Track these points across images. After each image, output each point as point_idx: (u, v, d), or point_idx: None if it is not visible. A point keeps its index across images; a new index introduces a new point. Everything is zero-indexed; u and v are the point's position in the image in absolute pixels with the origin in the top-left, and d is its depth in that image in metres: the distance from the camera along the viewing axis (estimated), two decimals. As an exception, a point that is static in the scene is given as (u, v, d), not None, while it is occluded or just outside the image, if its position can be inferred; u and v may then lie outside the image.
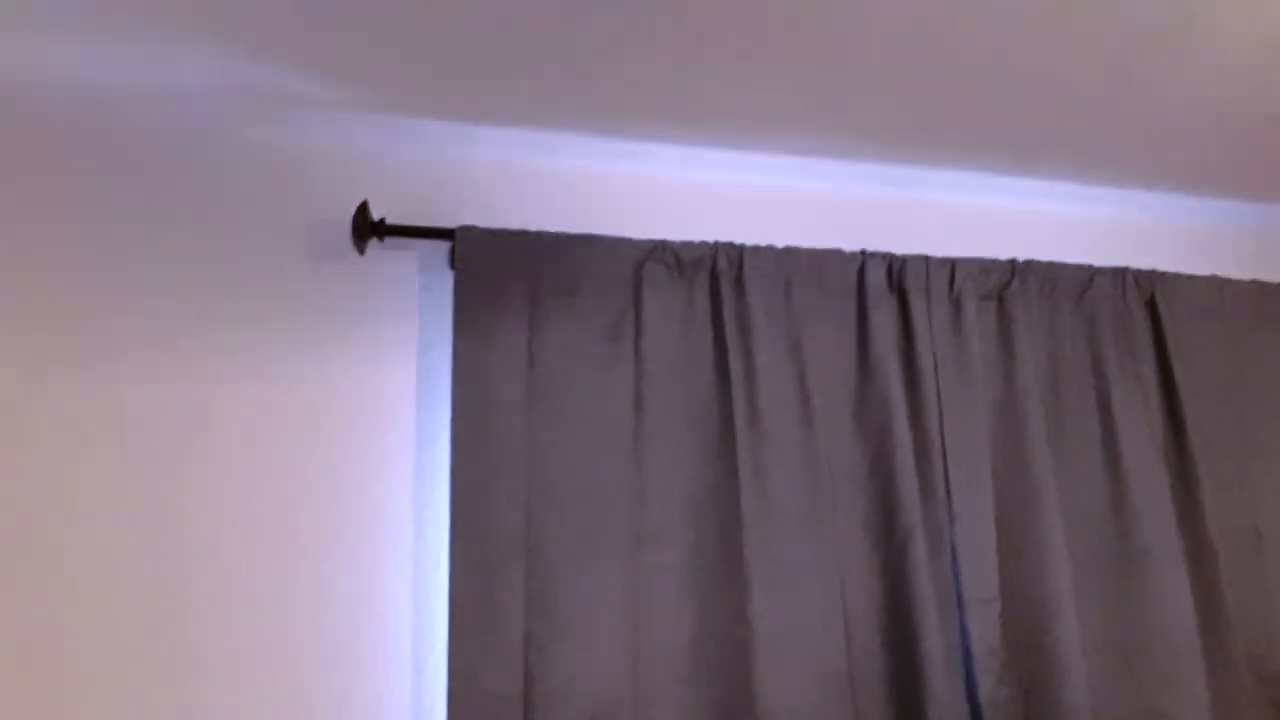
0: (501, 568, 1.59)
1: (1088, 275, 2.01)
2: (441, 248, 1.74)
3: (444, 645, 1.58)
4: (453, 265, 1.72)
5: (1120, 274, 2.03)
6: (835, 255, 1.90)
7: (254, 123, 1.72)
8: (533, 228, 1.77)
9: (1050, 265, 2.00)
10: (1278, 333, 2.10)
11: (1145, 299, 2.03)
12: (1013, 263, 1.97)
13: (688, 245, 1.82)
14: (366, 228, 1.67)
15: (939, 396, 1.85)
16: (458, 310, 1.68)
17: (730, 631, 1.66)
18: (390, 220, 1.71)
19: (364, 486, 1.67)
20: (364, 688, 1.61)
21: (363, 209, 1.67)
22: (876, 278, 1.90)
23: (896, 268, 1.91)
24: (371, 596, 1.64)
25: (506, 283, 1.71)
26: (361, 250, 1.70)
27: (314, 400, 1.68)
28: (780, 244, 1.87)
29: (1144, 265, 2.06)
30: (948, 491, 1.81)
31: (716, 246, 1.83)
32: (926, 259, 1.93)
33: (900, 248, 1.94)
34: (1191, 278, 2.07)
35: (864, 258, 1.90)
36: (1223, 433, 1.99)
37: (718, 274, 1.82)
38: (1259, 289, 2.12)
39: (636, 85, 1.66)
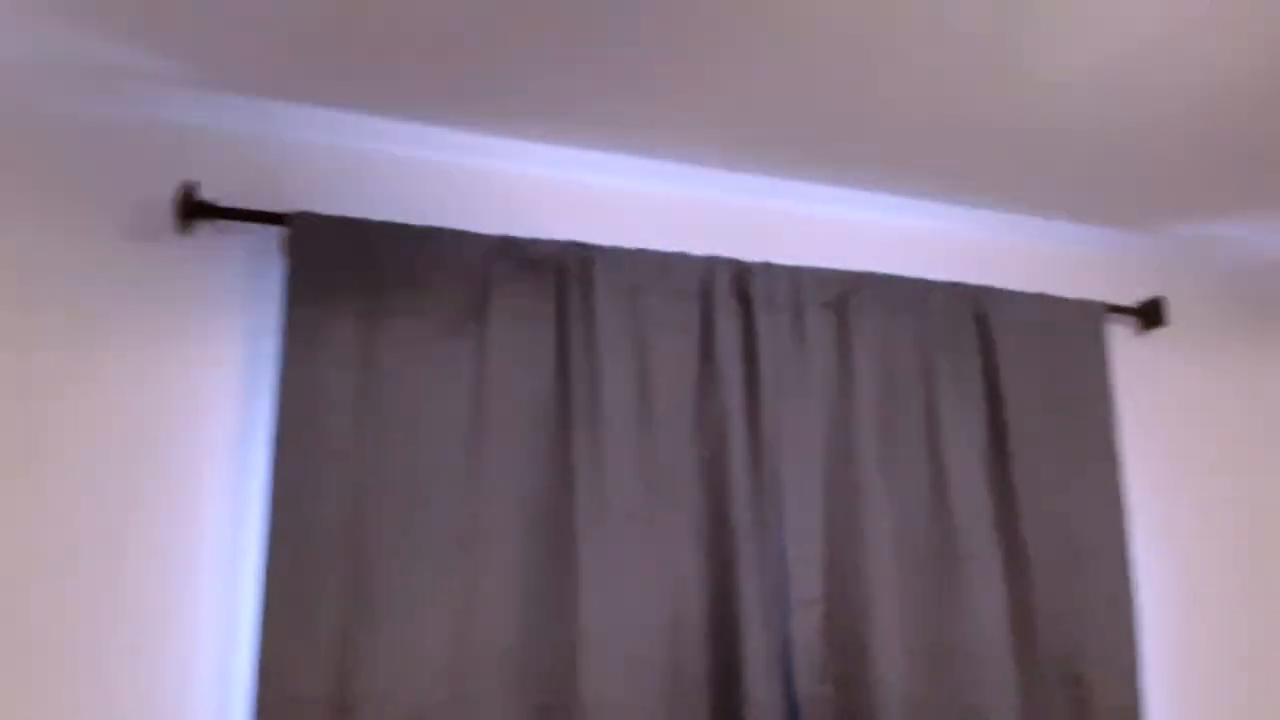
0: (319, 567, 1.56)
1: (923, 289, 2.07)
2: (274, 233, 1.68)
3: (253, 646, 1.52)
4: (285, 253, 1.65)
5: (954, 289, 2.10)
6: (683, 259, 1.91)
7: (75, 96, 1.62)
8: (374, 218, 1.72)
9: (889, 278, 2.06)
10: (1098, 351, 2.22)
11: (976, 314, 2.11)
12: (853, 273, 2.03)
13: (536, 243, 1.80)
14: (190, 208, 1.60)
15: (776, 404, 1.89)
16: (287, 300, 1.63)
17: (558, 631, 1.66)
18: (222, 204, 1.64)
19: (179, 480, 1.61)
20: (168, 689, 1.54)
21: (187, 189, 1.59)
22: (722, 283, 1.92)
23: (742, 274, 1.94)
24: (180, 594, 1.58)
25: (342, 273, 1.66)
26: (186, 233, 1.63)
27: (131, 388, 1.60)
28: (629, 246, 1.88)
29: (976, 281, 2.14)
30: (778, 496, 1.84)
31: (565, 245, 1.82)
32: (771, 266, 1.96)
33: (746, 254, 1.96)
34: (1020, 295, 2.16)
35: (711, 263, 1.92)
36: (1042, 445, 2.08)
37: (565, 273, 1.81)
38: (1081, 307, 2.23)
39: (488, 80, 1.64)
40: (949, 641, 1.90)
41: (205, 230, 1.66)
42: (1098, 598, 2.04)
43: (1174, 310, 2.36)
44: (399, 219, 1.74)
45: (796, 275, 1.97)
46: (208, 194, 1.64)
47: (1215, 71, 1.64)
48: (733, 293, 1.92)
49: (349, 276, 1.66)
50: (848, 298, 2.00)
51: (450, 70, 1.60)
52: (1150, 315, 2.33)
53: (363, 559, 1.59)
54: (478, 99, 1.70)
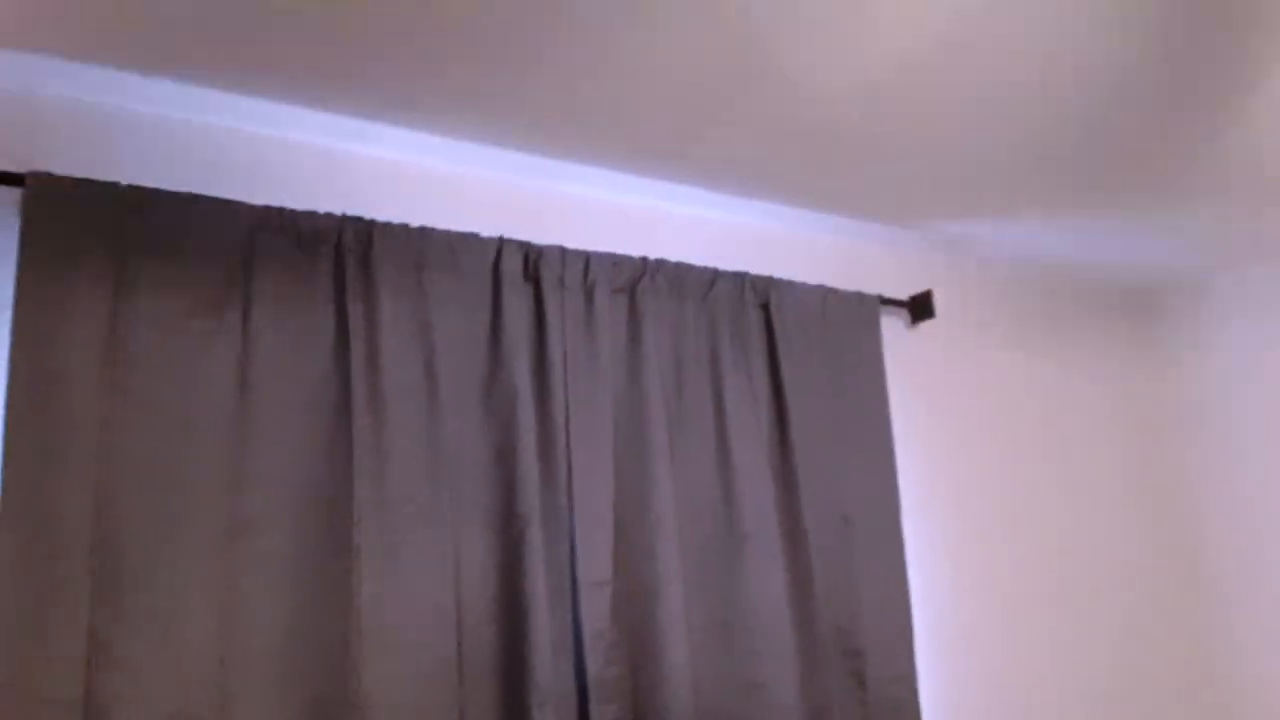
0: (61, 558, 1.42)
1: (711, 277, 2.12)
2: (10, 195, 1.51)
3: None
4: (21, 215, 1.49)
5: (740, 278, 2.16)
6: (471, 240, 1.87)
7: None
8: (124, 181, 1.58)
9: (678, 265, 2.08)
10: (872, 340, 2.33)
11: (760, 303, 2.17)
12: (644, 260, 2.04)
13: (310, 215, 1.71)
14: (-96, 162, 1.42)
15: (566, 386, 1.87)
16: (22, 268, 1.47)
17: (332, 625, 1.58)
18: (-58, 159, 1.47)
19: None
20: None
21: (-102, 140, 1.41)
22: (513, 265, 1.89)
23: (533, 256, 1.91)
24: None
25: (86, 240, 1.52)
26: (-102, 189, 1.44)
27: None
28: (414, 224, 1.81)
29: (761, 271, 2.20)
30: (569, 479, 1.82)
31: (343, 219, 1.74)
32: (563, 249, 1.94)
33: (536, 238, 1.94)
34: (800, 285, 2.24)
35: (500, 244, 1.89)
36: (820, 428, 2.16)
37: (343, 249, 1.73)
38: (857, 299, 2.34)
39: (261, 38, 1.53)
40: (733, 618, 1.94)
41: (-76, 188, 1.48)
42: (872, 574, 2.14)
43: (942, 303, 2.51)
44: (153, 184, 1.60)
45: (587, 259, 1.97)
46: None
47: (985, 80, 1.75)
48: (523, 274, 1.90)
49: (94, 244, 1.51)
50: (638, 283, 2.02)
51: (217, 25, 1.49)
52: (920, 307, 2.48)
53: (112, 552, 1.45)
54: (246, 59, 1.59)
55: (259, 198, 1.68)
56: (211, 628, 1.49)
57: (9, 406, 1.42)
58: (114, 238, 1.53)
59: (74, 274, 1.49)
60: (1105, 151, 2.05)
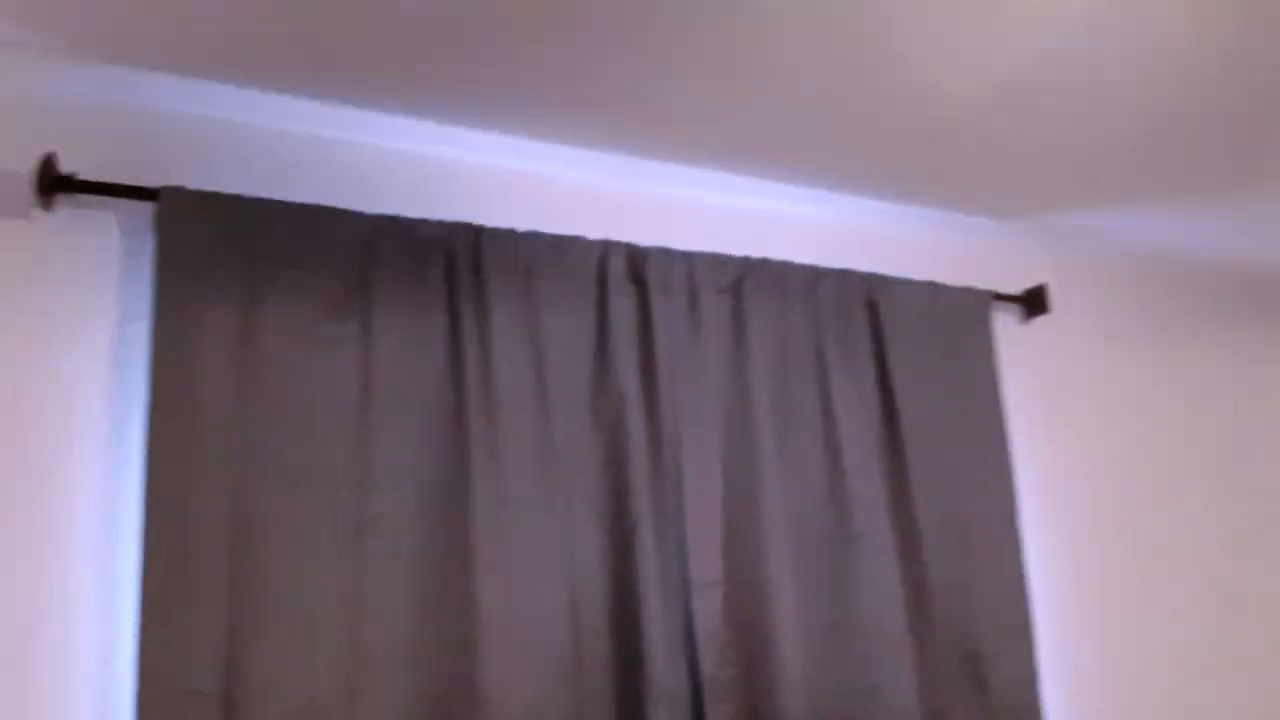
0: (201, 558, 1.48)
1: (814, 275, 2.10)
2: (146, 209, 1.60)
3: (134, 640, 1.43)
4: (156, 229, 1.58)
5: (844, 276, 2.13)
6: (577, 242, 1.89)
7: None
8: (250, 194, 1.65)
9: (781, 264, 2.07)
10: (984, 335, 2.27)
11: (866, 300, 2.14)
12: (747, 259, 2.03)
13: (423, 223, 1.76)
14: (53, 182, 1.51)
15: (674, 387, 1.88)
16: (159, 279, 1.55)
17: (454, 621, 1.61)
18: (87, 178, 1.55)
19: (49, 467, 1.51)
20: (44, 686, 1.45)
21: (48, 161, 1.51)
22: (618, 267, 1.90)
23: (638, 258, 1.93)
24: (54, 587, 1.48)
25: (217, 252, 1.59)
26: (48, 208, 1.54)
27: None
28: (521, 228, 1.85)
29: (866, 269, 2.17)
30: (678, 480, 1.83)
31: (454, 226, 1.78)
32: (667, 251, 1.95)
33: (641, 239, 1.95)
34: (908, 282, 2.20)
35: (606, 246, 1.91)
36: (932, 428, 2.12)
37: (454, 255, 1.77)
38: (968, 295, 2.28)
39: (374, 54, 1.59)
40: (846, 620, 1.91)
41: (71, 206, 1.57)
42: (990, 575, 2.08)
43: (1056, 297, 2.43)
44: (277, 196, 1.67)
45: (691, 260, 1.97)
46: (72, 168, 1.55)
47: (1108, 68, 1.70)
48: (628, 276, 1.91)
49: (224, 255, 1.59)
50: (742, 283, 2.01)
51: (332, 43, 1.56)
52: (1034, 303, 2.40)
53: (246, 550, 1.51)
54: (361, 73, 1.65)
55: (375, 207, 1.74)
56: (339, 623, 1.54)
57: (150, 412, 1.50)
58: (243, 248, 1.60)
59: (206, 284, 1.57)
60: (1232, 135, 1.96)
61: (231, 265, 1.59)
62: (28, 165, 1.54)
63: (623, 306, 1.88)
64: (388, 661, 1.56)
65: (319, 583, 1.54)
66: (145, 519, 1.46)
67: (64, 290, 1.56)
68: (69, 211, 1.58)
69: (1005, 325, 2.37)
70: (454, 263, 1.76)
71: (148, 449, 1.49)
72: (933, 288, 2.23)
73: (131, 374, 1.56)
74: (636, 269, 1.92)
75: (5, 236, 1.54)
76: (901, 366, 2.12)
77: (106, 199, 1.57)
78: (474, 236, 1.79)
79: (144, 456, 1.49)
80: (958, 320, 2.25)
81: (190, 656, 1.43)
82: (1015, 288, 2.40)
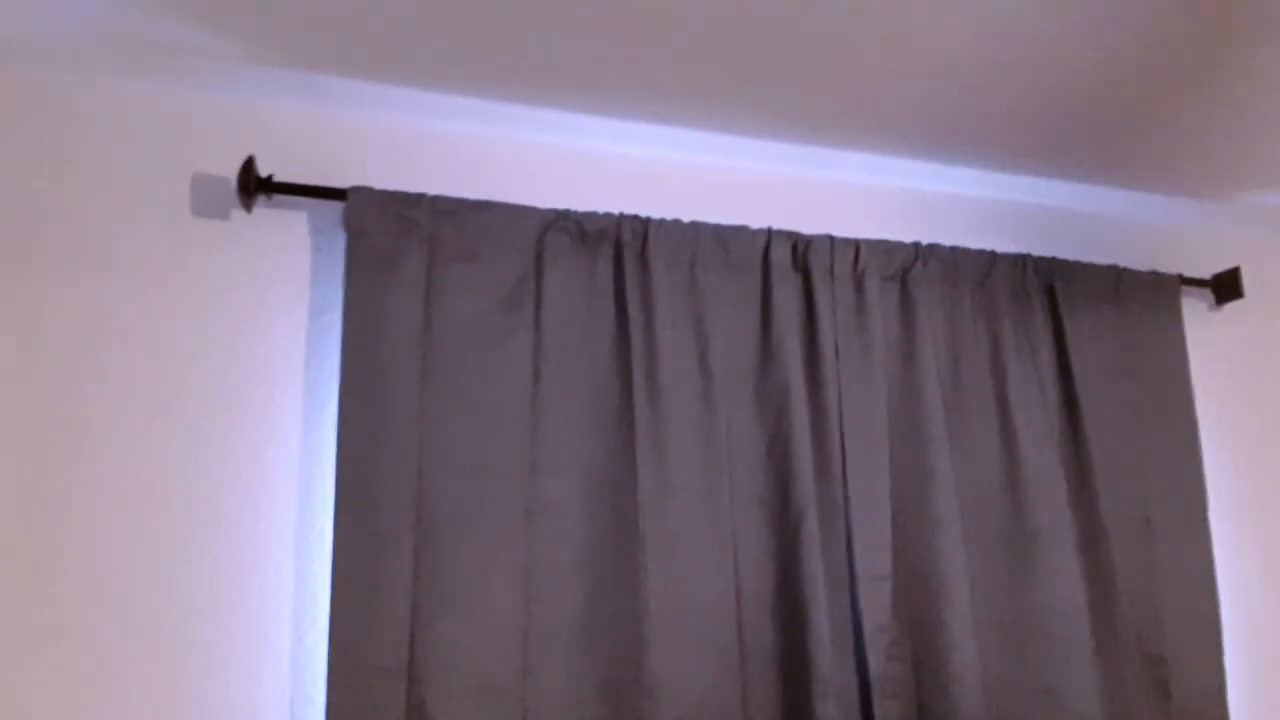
0: (388, 539, 1.55)
1: (989, 260, 2.02)
2: (334, 209, 1.69)
3: (326, 617, 1.52)
4: (345, 227, 1.66)
5: (1021, 260, 2.05)
6: (741, 232, 1.88)
7: (138, 74, 1.64)
8: (430, 192, 1.72)
9: (953, 249, 2.01)
10: (1172, 321, 2.15)
11: (1044, 285, 2.05)
12: (916, 245, 1.98)
13: (591, 216, 1.79)
14: (253, 184, 1.61)
15: (839, 376, 1.85)
16: (349, 274, 1.63)
17: (622, 605, 1.64)
18: (279, 179, 1.65)
19: (248, 453, 1.61)
20: (241, 657, 1.55)
21: (248, 164, 1.60)
22: (781, 255, 1.89)
23: (801, 246, 1.91)
24: (253, 566, 1.58)
25: (401, 247, 1.66)
26: (248, 208, 1.64)
27: (199, 363, 1.62)
28: (685, 219, 1.85)
29: (1044, 253, 2.08)
30: (844, 470, 1.80)
31: (620, 218, 1.81)
32: (831, 238, 1.92)
33: (805, 227, 1.93)
34: (1089, 265, 2.10)
35: (769, 235, 1.89)
36: (1116, 419, 2.02)
37: (621, 246, 1.79)
38: (1154, 279, 2.16)
39: (543, 53, 1.63)
40: (1025, 619, 1.84)
41: (268, 206, 1.67)
42: (1177, 576, 1.97)
43: (1250, 282, 2.27)
44: (455, 193, 1.73)
45: (857, 247, 1.93)
46: (270, 169, 1.65)
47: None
48: (792, 265, 1.89)
49: (408, 250, 1.66)
50: (910, 270, 1.96)
51: (504, 44, 1.60)
52: (1226, 287, 2.25)
53: (429, 531, 1.58)
54: (531, 72, 1.69)
55: (547, 201, 1.78)
56: (514, 604, 1.59)
57: (341, 401, 1.58)
58: (424, 243, 1.67)
59: (391, 276, 1.64)
60: None
61: (415, 260, 1.65)
62: (230, 169, 1.65)
63: (787, 295, 1.87)
64: (559, 642, 1.60)
65: (494, 565, 1.59)
66: (337, 503, 1.55)
67: (261, 285, 1.66)
68: (265, 211, 1.68)
69: (1194, 311, 2.23)
70: (621, 253, 1.78)
71: (339, 436, 1.57)
72: (1116, 271, 2.12)
73: (324, 364, 1.65)
74: (800, 257, 1.90)
75: (209, 235, 1.65)
76: (1083, 355, 2.03)
77: (300, 199, 1.66)
78: (641, 227, 1.81)
79: (336, 444, 1.57)
80: (1143, 305, 2.13)
81: (377, 634, 1.51)
82: (1205, 272, 2.26)
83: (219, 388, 1.62)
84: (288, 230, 1.69)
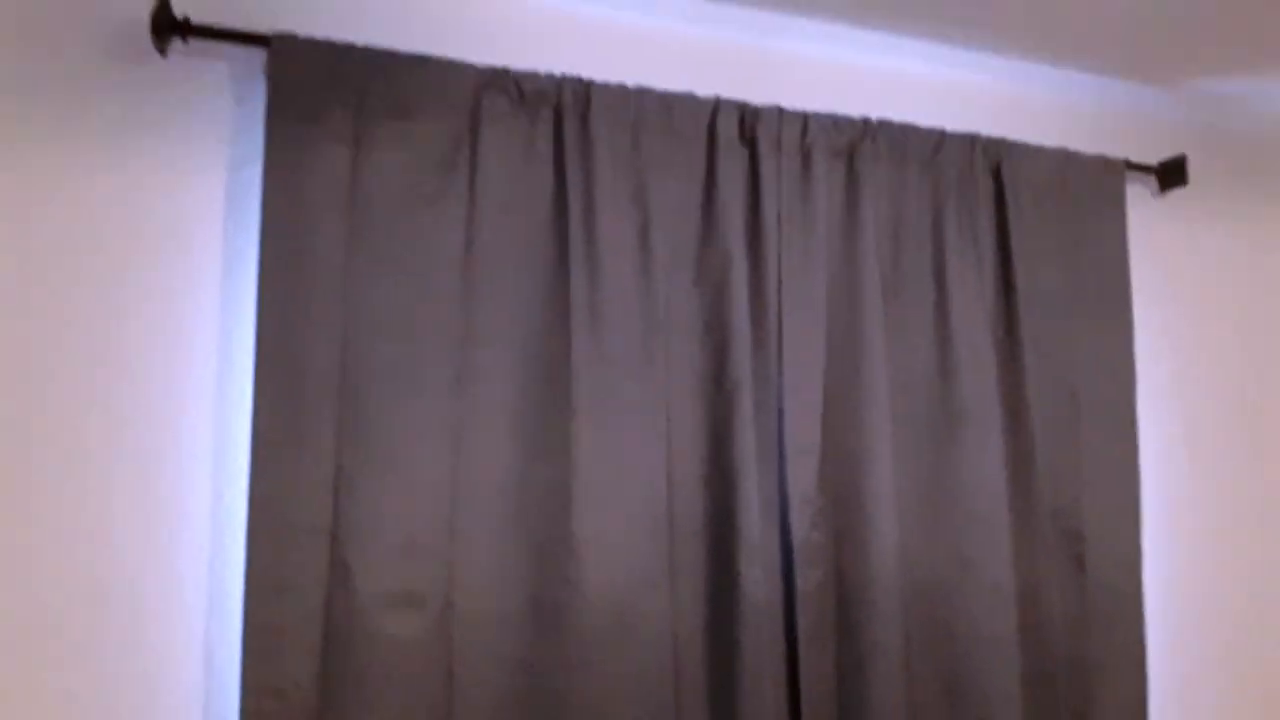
0: (311, 401, 1.53)
1: (937, 139, 1.99)
2: (257, 57, 1.60)
3: (246, 477, 1.51)
4: (267, 77, 1.58)
5: (970, 140, 2.02)
6: (687, 100, 1.83)
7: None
8: (360, 42, 1.63)
9: (902, 127, 1.97)
10: (1114, 207, 2.15)
11: (992, 167, 2.03)
12: (865, 121, 1.94)
13: (531, 76, 1.72)
14: (168, 25, 1.52)
15: (780, 252, 1.83)
16: (270, 127, 1.56)
17: (552, 472, 1.65)
18: (197, 21, 1.55)
19: (163, 311, 1.57)
20: (159, 516, 1.54)
21: (163, 4, 1.51)
22: (728, 126, 1.84)
23: (749, 118, 1.86)
24: (170, 423, 1.56)
25: (327, 101, 1.59)
26: (163, 52, 1.55)
27: (111, 217, 1.55)
28: (630, 83, 1.79)
29: (993, 133, 2.05)
30: (779, 345, 1.81)
31: (562, 80, 1.74)
32: (780, 110, 1.88)
33: (753, 98, 1.88)
34: (1039, 149, 2.08)
35: (716, 104, 1.84)
36: (1051, 302, 2.03)
37: (562, 110, 1.73)
38: (1102, 164, 2.15)
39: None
40: (946, 494, 1.89)
41: (185, 54, 1.58)
42: (1099, 453, 2.02)
43: (1196, 171, 2.27)
44: (386, 45, 1.65)
45: (805, 120, 1.89)
46: (187, 10, 1.55)
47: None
48: (738, 136, 1.85)
49: (335, 104, 1.58)
50: (858, 145, 1.93)
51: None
52: (1171, 174, 2.25)
53: (354, 395, 1.56)
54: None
55: (485, 58, 1.70)
56: (441, 468, 1.59)
57: (262, 260, 1.53)
58: (353, 97, 1.60)
59: (316, 131, 1.57)
60: None
61: (341, 115, 1.59)
62: (144, 9, 1.55)
63: (731, 167, 1.83)
64: (486, 506, 1.61)
65: (421, 430, 1.59)
66: (257, 361, 1.52)
67: (178, 137, 1.59)
68: (181, 59, 1.59)
69: (1138, 198, 2.23)
70: (561, 118, 1.73)
71: (260, 296, 1.53)
72: (1063, 155, 2.11)
73: (245, 221, 1.60)
74: (747, 129, 1.85)
75: (120, 80, 1.56)
76: (1024, 237, 2.02)
77: (220, 45, 1.58)
78: (583, 91, 1.74)
79: (256, 304, 1.53)
80: (1088, 190, 2.13)
81: (298, 493, 1.50)
82: (1150, 158, 2.25)
83: (133, 244, 1.56)
84: (206, 79, 1.61)
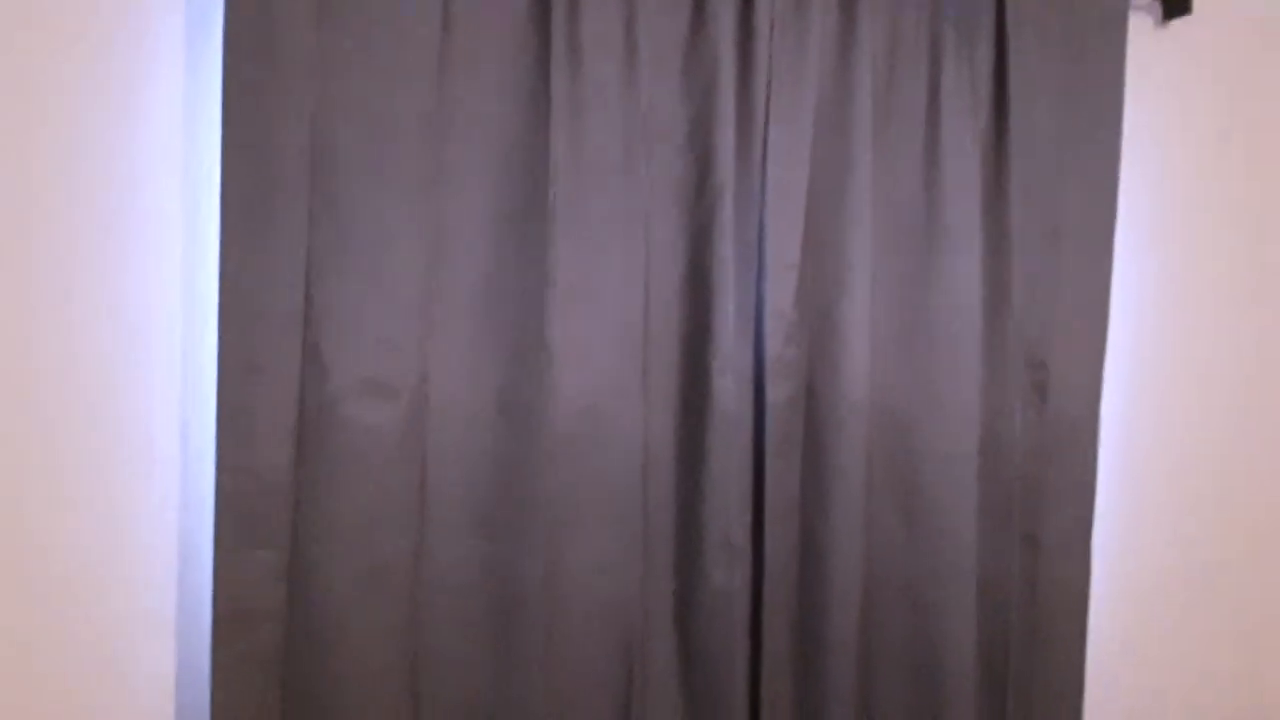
0: (281, 184, 1.47)
1: (941, -53, 1.90)
2: None
3: (215, 261, 1.47)
4: None
5: (974, -48, 1.93)
6: (683, -116, 1.72)
7: None
8: None
9: (906, -68, 1.87)
10: (1115, 35, 2.07)
11: (995, -6, 1.95)
12: (867, -75, 1.84)
13: None
14: None
15: (770, 57, 1.76)
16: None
17: (528, 273, 1.62)
18: None
19: (125, 87, 1.49)
20: (129, 301, 1.51)
21: None
22: (722, -78, 1.74)
23: (746, -89, 1.75)
24: (138, 204, 1.51)
25: None
26: None
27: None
28: None
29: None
30: (764, 157, 1.76)
31: None
32: (780, -92, 1.77)
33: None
34: (1045, -25, 1.99)
35: (711, -103, 1.73)
36: (1043, 130, 1.98)
37: (544, -111, 1.62)
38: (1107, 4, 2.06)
39: None
40: (921, 318, 1.89)
41: None
42: (1073, 289, 2.02)
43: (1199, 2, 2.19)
44: None
45: (805, -78, 1.79)
46: None
47: None
48: (734, -72, 1.75)
49: None
50: (858, -45, 1.83)
51: None
52: (1174, 3, 2.17)
53: (327, 182, 1.51)
54: None
55: None
56: (417, 265, 1.56)
57: (227, 32, 1.45)
58: None
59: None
60: None
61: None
62: None
63: (725, -38, 1.74)
64: (461, 305, 1.60)
65: (397, 222, 1.54)
66: (223, 140, 1.45)
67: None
68: None
69: (1139, 26, 2.15)
70: (545, -103, 1.62)
71: (224, 69, 1.45)
72: (1069, -11, 2.01)
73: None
74: (744, -77, 1.75)
75: None
76: (1021, 62, 1.95)
77: None
78: None
79: (222, 76, 1.46)
80: (1090, 19, 2.04)
81: (269, 276, 1.47)
82: (1156, -15, 2.16)
83: (91, 15, 1.47)
84: None
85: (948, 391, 1.89)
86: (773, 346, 1.76)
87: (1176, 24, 2.21)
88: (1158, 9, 2.18)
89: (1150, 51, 2.19)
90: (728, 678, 1.75)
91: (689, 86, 1.74)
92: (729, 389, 1.71)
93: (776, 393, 1.76)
